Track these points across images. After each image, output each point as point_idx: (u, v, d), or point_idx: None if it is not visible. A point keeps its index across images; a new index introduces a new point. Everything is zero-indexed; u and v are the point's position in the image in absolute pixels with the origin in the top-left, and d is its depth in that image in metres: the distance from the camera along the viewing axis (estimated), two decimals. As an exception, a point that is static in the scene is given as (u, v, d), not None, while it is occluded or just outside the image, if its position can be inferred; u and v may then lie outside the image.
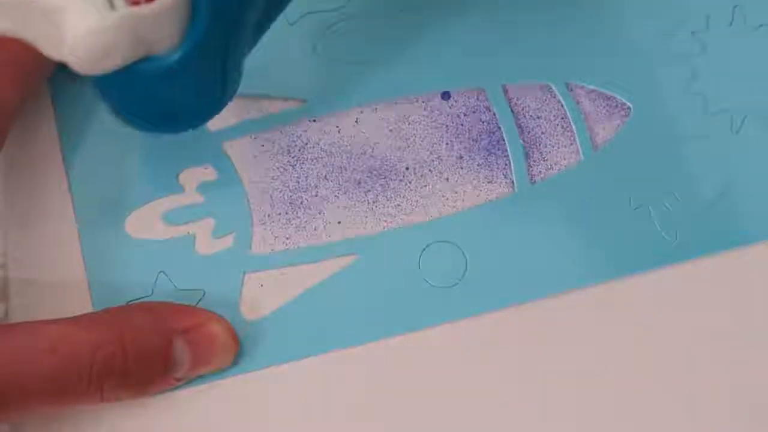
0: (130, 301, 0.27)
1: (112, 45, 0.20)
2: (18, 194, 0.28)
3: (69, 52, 0.20)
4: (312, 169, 0.29)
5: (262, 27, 0.24)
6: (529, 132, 0.29)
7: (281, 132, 0.29)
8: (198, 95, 0.23)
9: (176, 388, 0.27)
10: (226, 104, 0.24)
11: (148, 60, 0.21)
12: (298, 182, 0.29)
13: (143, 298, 0.27)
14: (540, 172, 0.29)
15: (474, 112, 0.29)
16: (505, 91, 0.29)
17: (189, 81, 0.22)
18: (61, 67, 0.21)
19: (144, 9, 0.20)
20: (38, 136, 0.29)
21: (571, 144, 0.29)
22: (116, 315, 0.25)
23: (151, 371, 0.25)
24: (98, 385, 0.24)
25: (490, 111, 0.29)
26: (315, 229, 0.28)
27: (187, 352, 0.25)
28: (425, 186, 0.29)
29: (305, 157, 0.29)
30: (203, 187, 0.28)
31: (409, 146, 0.29)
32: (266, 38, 0.29)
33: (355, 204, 0.28)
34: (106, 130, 0.29)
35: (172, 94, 0.23)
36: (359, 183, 0.29)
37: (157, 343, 0.25)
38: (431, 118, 0.29)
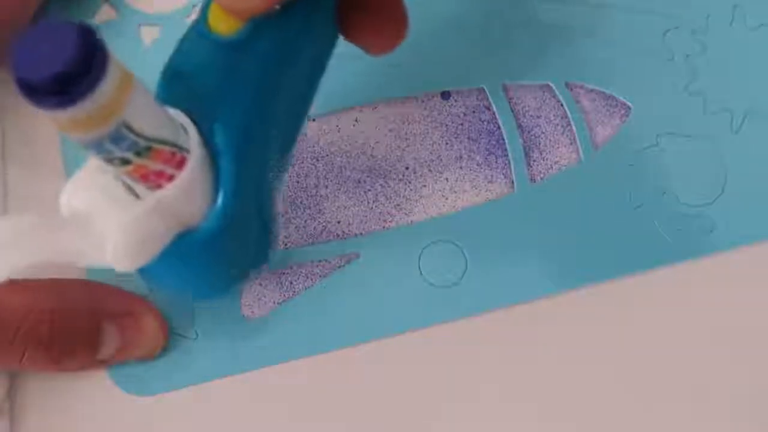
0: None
1: (148, 235, 0.19)
2: (18, 194, 0.28)
3: (111, 258, 0.19)
4: (312, 169, 0.29)
5: (283, 166, 0.24)
6: (529, 132, 0.29)
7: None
8: (247, 249, 0.23)
9: (174, 387, 0.27)
10: (273, 250, 0.24)
11: (181, 239, 0.20)
12: (298, 182, 0.29)
13: (143, 297, 0.27)
14: (540, 172, 0.29)
15: (474, 112, 0.29)
16: (505, 91, 0.29)
17: (231, 243, 0.22)
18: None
19: (167, 190, 0.19)
20: (38, 136, 0.29)
21: (571, 144, 0.29)
22: (53, 286, 0.25)
23: (74, 347, 0.25)
24: (20, 349, 0.24)
25: (490, 111, 0.29)
26: (315, 229, 0.28)
27: (115, 337, 0.26)
28: (425, 186, 0.29)
29: (305, 156, 0.29)
30: (203, 187, 0.28)
31: (409, 146, 0.29)
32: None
33: (354, 204, 0.28)
34: (106, 130, 0.29)
35: (215, 262, 0.22)
36: (359, 183, 0.29)
37: (86, 321, 0.25)
38: (431, 118, 0.29)
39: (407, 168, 0.29)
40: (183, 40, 0.21)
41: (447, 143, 0.29)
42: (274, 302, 0.28)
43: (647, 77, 0.29)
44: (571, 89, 0.29)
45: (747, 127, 0.29)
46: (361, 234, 0.28)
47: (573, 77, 0.29)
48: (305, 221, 0.28)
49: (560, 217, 0.28)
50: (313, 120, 0.29)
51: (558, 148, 0.29)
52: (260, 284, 0.28)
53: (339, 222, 0.28)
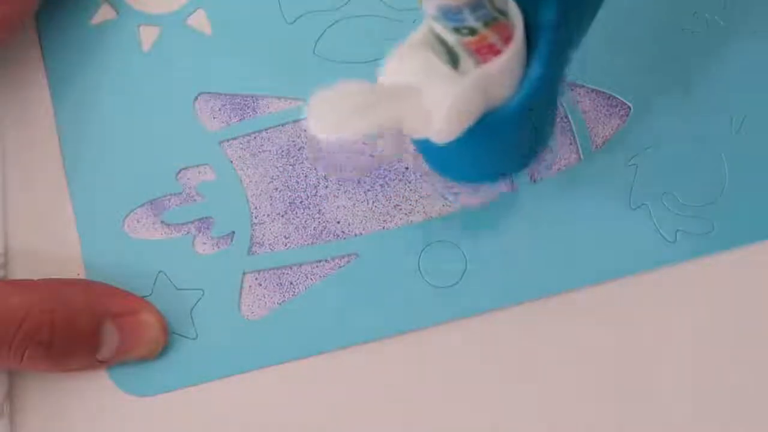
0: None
1: (469, 110, 0.20)
2: (18, 194, 0.28)
3: (436, 132, 0.20)
4: (312, 169, 0.29)
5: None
6: (529, 132, 0.29)
7: (281, 132, 0.29)
8: (533, 135, 0.23)
9: (174, 387, 0.27)
10: (553, 135, 0.24)
11: (489, 115, 0.21)
12: (298, 182, 0.29)
13: (143, 297, 0.27)
14: (539, 171, 0.29)
15: (474, 112, 0.29)
16: (506, 91, 0.29)
17: (529, 121, 0.22)
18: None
19: (492, 65, 0.20)
20: (38, 136, 0.29)
21: (571, 144, 0.29)
22: (54, 287, 0.25)
23: (74, 347, 0.25)
24: (20, 350, 0.24)
25: (490, 111, 0.29)
26: (314, 229, 0.28)
27: (115, 336, 0.26)
28: (425, 186, 0.29)
29: (305, 156, 0.29)
30: (203, 187, 0.28)
31: (409, 146, 0.29)
32: (266, 38, 0.30)
33: (354, 204, 0.28)
34: (106, 131, 0.29)
35: (513, 139, 0.22)
36: (359, 183, 0.29)
37: (87, 322, 0.25)
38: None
39: (407, 168, 0.29)
40: None
41: (447, 143, 0.29)
42: (274, 302, 0.28)
43: (647, 77, 0.29)
44: (571, 89, 0.29)
45: (747, 127, 0.29)
46: (361, 234, 0.28)
47: (573, 77, 0.29)
48: (305, 221, 0.28)
49: (560, 217, 0.28)
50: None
51: (558, 148, 0.29)
52: (260, 284, 0.28)
53: (339, 222, 0.28)
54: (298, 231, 0.28)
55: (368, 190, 0.29)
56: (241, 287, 0.28)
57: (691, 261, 0.28)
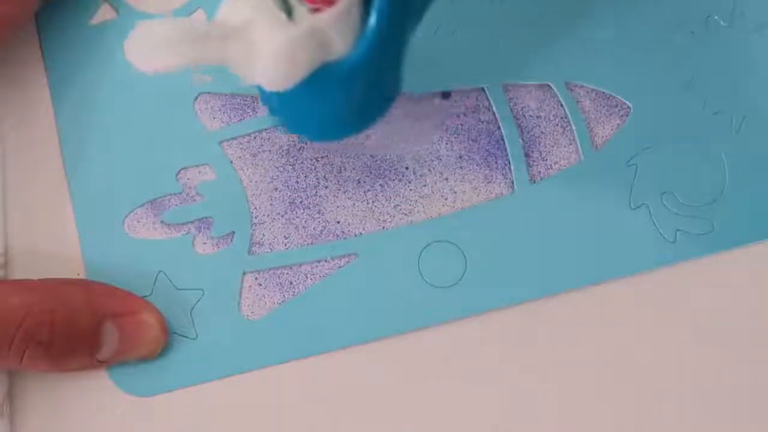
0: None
1: (299, 58, 0.20)
2: (18, 194, 0.28)
3: (261, 74, 0.20)
4: (311, 169, 0.29)
5: (424, 9, 0.23)
6: (529, 132, 0.29)
7: (281, 132, 0.29)
8: (377, 91, 0.23)
9: (174, 387, 0.27)
10: (395, 100, 0.24)
11: (327, 67, 0.21)
12: (298, 182, 0.29)
13: (143, 297, 0.27)
14: (540, 172, 0.29)
15: (474, 112, 0.29)
16: (505, 91, 0.29)
17: (370, 78, 0.22)
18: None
19: (325, 15, 0.19)
20: (38, 136, 0.29)
21: (571, 144, 0.29)
22: (54, 287, 0.25)
23: (75, 347, 0.25)
24: (20, 350, 0.24)
25: (490, 111, 0.29)
26: (314, 229, 0.28)
27: (115, 336, 0.26)
28: (425, 186, 0.29)
29: (305, 156, 0.29)
30: (203, 187, 0.28)
31: (409, 146, 0.29)
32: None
33: (354, 204, 0.28)
34: (106, 130, 0.29)
35: (351, 96, 0.22)
36: (359, 183, 0.29)
37: (87, 322, 0.25)
38: (431, 118, 0.29)
39: (407, 168, 0.29)
40: None
41: (447, 143, 0.29)
42: (274, 302, 0.28)
43: (647, 77, 0.29)
44: (571, 89, 0.29)
45: (747, 128, 0.29)
46: (360, 234, 0.28)
47: (573, 77, 0.29)
48: (305, 221, 0.28)
49: (560, 217, 0.28)
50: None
51: (558, 148, 0.29)
52: (260, 284, 0.28)
53: (339, 222, 0.28)
54: (298, 231, 0.28)
55: (368, 190, 0.29)
56: (241, 287, 0.28)
57: (691, 261, 0.28)
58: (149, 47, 0.19)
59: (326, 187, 0.29)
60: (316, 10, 0.20)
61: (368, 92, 0.22)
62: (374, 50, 0.21)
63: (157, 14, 0.30)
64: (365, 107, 0.23)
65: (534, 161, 0.29)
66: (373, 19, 0.21)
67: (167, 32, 0.19)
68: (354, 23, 0.20)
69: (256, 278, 0.28)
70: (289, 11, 0.20)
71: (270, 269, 0.28)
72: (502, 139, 0.29)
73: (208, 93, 0.29)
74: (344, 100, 0.22)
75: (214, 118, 0.29)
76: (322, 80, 0.21)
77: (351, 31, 0.21)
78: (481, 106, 0.29)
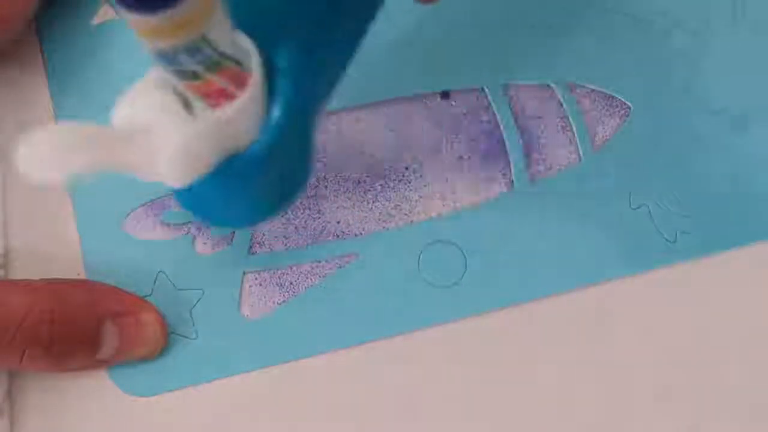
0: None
1: (200, 155, 0.19)
2: (18, 194, 0.28)
3: (164, 173, 0.19)
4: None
5: (331, 92, 0.23)
6: (529, 132, 0.29)
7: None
8: (286, 178, 0.23)
9: (174, 387, 0.27)
10: (309, 180, 0.24)
11: (231, 160, 0.20)
12: (298, 182, 0.29)
13: (143, 297, 0.27)
14: (539, 172, 0.29)
15: (474, 112, 0.29)
16: (505, 91, 0.29)
17: (275, 167, 0.21)
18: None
19: (226, 111, 0.19)
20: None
21: (571, 144, 0.29)
22: (54, 286, 0.25)
23: (74, 347, 0.25)
24: (20, 349, 0.24)
25: (490, 111, 0.29)
26: (314, 229, 0.28)
27: (115, 336, 0.26)
28: (425, 186, 0.29)
29: (305, 157, 0.29)
30: (203, 187, 0.28)
31: (409, 146, 0.29)
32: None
33: (354, 204, 0.28)
34: (106, 130, 0.29)
35: (256, 185, 0.22)
36: (359, 183, 0.29)
37: (87, 322, 0.25)
38: (431, 118, 0.29)
39: (407, 168, 0.29)
40: None
41: (447, 143, 0.29)
42: (274, 302, 0.28)
43: (647, 77, 0.29)
44: (571, 89, 0.29)
45: (746, 128, 0.29)
46: (360, 234, 0.28)
47: (573, 77, 0.29)
48: (305, 221, 0.28)
49: (559, 218, 0.28)
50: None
51: (558, 148, 0.29)
52: (260, 284, 0.28)
53: (339, 222, 0.28)
54: (298, 231, 0.28)
55: (368, 190, 0.29)
56: (241, 287, 0.28)
57: (691, 261, 0.28)
58: (46, 155, 0.18)
59: (326, 187, 0.29)
60: (216, 105, 0.19)
61: (275, 180, 0.22)
62: (277, 140, 0.20)
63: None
64: (274, 194, 0.23)
65: (534, 161, 0.29)
66: (276, 112, 0.20)
67: (65, 139, 0.18)
68: (260, 110, 0.20)
69: (256, 278, 0.28)
70: (187, 104, 0.19)
71: (270, 269, 0.28)
72: (502, 139, 0.29)
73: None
74: (250, 189, 0.22)
75: (214, 118, 0.29)
76: (225, 172, 0.20)
77: (257, 117, 0.20)
78: (481, 106, 0.29)
